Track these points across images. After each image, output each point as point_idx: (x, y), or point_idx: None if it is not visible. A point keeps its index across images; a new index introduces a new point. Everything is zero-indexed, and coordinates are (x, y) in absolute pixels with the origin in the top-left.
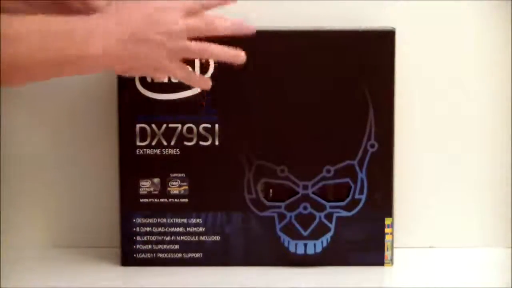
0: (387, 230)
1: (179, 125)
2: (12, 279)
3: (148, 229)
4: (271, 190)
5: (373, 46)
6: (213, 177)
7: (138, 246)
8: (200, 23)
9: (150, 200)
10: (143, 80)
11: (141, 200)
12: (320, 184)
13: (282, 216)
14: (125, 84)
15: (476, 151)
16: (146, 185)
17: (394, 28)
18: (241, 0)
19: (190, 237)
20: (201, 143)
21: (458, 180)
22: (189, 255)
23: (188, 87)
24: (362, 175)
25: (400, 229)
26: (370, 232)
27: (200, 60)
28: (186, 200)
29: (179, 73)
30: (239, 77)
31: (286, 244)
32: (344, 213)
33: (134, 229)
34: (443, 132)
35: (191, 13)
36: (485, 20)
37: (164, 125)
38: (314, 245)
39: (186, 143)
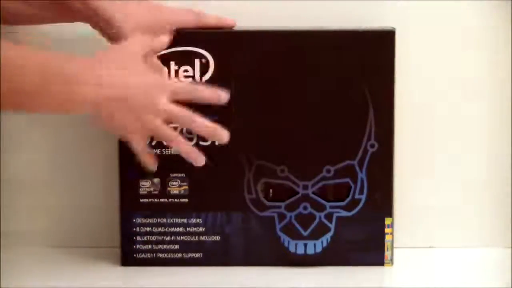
0: (387, 230)
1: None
2: (12, 279)
3: (148, 229)
4: (271, 190)
5: (373, 46)
6: (213, 177)
7: (138, 246)
8: (181, 113)
9: (150, 200)
10: None
11: (141, 200)
12: (320, 184)
13: (282, 216)
14: None
15: (476, 151)
16: (146, 185)
17: (394, 28)
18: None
19: (190, 237)
20: (201, 143)
21: (458, 180)
22: (189, 255)
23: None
24: (362, 175)
25: (400, 229)
26: (370, 232)
27: (201, 60)
28: (186, 200)
29: (137, 149)
30: (239, 77)
31: (286, 244)
32: (344, 213)
33: (134, 229)
34: (443, 132)
35: (178, 96)
36: (485, 20)
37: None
38: (314, 245)
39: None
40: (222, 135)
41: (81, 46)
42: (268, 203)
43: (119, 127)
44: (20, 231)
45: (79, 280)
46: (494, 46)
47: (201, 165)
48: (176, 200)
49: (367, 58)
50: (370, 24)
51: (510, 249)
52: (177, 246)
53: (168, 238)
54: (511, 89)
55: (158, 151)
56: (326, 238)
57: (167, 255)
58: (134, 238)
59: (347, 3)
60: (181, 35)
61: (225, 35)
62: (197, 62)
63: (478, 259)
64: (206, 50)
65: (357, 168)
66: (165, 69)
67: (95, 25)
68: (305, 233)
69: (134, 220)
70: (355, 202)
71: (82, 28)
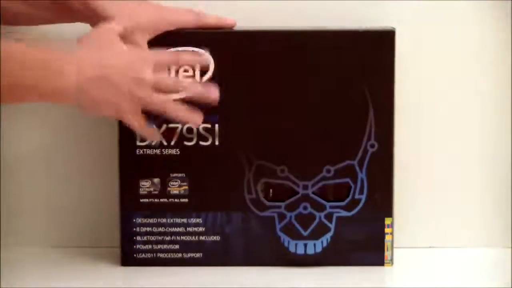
0: (387, 230)
1: (179, 125)
2: (12, 279)
3: (148, 229)
4: (271, 190)
5: (373, 46)
6: (213, 177)
7: (138, 246)
8: (169, 79)
9: (150, 200)
10: None
11: (141, 200)
12: (320, 184)
13: (282, 216)
14: None
15: (476, 151)
16: (146, 185)
17: (394, 28)
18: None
19: (190, 237)
20: (201, 143)
21: (458, 180)
22: (189, 255)
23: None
24: (362, 175)
25: (400, 229)
26: (370, 232)
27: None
28: (186, 200)
29: (134, 125)
30: (239, 77)
31: (286, 244)
32: (344, 213)
33: (134, 229)
34: (443, 132)
35: (163, 66)
36: (485, 20)
37: (164, 125)
38: (314, 245)
39: (186, 143)
40: (212, 94)
41: None
42: (268, 203)
43: (108, 109)
44: (20, 231)
45: (79, 280)
46: (494, 46)
47: (199, 125)
48: (176, 200)
49: (367, 58)
50: (370, 24)
51: (510, 249)
52: (177, 246)
53: (168, 238)
54: (511, 89)
55: (158, 151)
56: (326, 238)
57: (167, 255)
58: (134, 238)
59: (347, 3)
60: (181, 35)
61: (225, 35)
62: None
63: (478, 259)
64: (206, 50)
65: (357, 168)
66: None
67: (95, 25)
68: (305, 233)
69: (134, 220)
70: (355, 202)
71: None
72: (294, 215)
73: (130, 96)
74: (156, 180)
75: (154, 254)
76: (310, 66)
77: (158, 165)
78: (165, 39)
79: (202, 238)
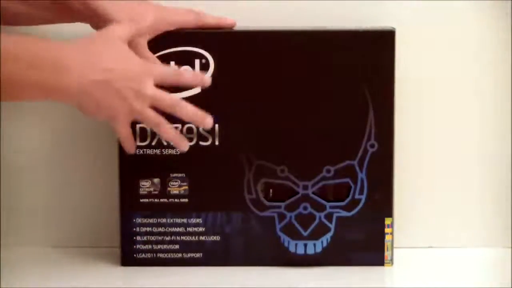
0: (387, 230)
1: (179, 125)
2: (12, 279)
3: (148, 229)
4: (271, 190)
5: (373, 46)
6: (213, 177)
7: (138, 246)
8: (168, 100)
9: (150, 200)
10: None
11: (141, 200)
12: (320, 184)
13: (282, 216)
14: None
15: (476, 151)
16: (146, 185)
17: (394, 28)
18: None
19: (190, 237)
20: (201, 143)
21: (458, 180)
22: (189, 255)
23: (189, 87)
24: (362, 175)
25: (400, 229)
26: (370, 232)
27: (201, 60)
28: (186, 200)
29: (121, 132)
30: (239, 77)
31: (286, 244)
32: (344, 213)
33: (134, 229)
34: (443, 132)
35: (163, 81)
36: (485, 20)
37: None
38: (314, 245)
39: None
40: (206, 121)
41: None
42: (268, 203)
43: (105, 112)
44: (20, 231)
45: (79, 280)
46: (494, 46)
47: (185, 151)
48: (176, 200)
49: (367, 58)
50: (370, 24)
51: (510, 249)
52: (177, 246)
53: (168, 238)
54: (511, 89)
55: (158, 151)
56: (326, 238)
57: (167, 255)
58: (134, 238)
59: (347, 3)
60: (181, 35)
61: (225, 35)
62: (197, 62)
63: (478, 259)
64: (206, 50)
65: (357, 168)
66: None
67: (95, 25)
68: (305, 233)
69: (134, 220)
70: (355, 202)
71: None
72: (294, 215)
73: (126, 105)
74: (156, 180)
75: (154, 254)
76: (310, 66)
77: (158, 165)
78: (165, 39)
79: (202, 238)
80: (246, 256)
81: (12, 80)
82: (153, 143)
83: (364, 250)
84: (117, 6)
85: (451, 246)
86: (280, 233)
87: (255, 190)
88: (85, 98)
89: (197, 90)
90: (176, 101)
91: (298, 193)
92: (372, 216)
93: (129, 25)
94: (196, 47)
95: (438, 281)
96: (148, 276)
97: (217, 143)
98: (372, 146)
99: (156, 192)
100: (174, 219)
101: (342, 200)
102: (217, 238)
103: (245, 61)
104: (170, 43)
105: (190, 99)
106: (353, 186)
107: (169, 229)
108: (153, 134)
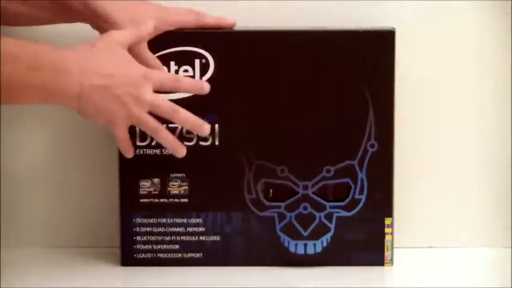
0: (387, 230)
1: (179, 125)
2: (12, 279)
3: (148, 229)
4: (271, 190)
5: (373, 46)
6: (213, 177)
7: (138, 246)
8: (166, 107)
9: (150, 200)
10: None
11: (141, 200)
12: (320, 184)
13: (282, 216)
14: None
15: (476, 151)
16: (146, 185)
17: (394, 28)
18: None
19: (190, 237)
20: (201, 143)
21: (458, 180)
22: (189, 255)
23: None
24: (362, 175)
25: (400, 229)
26: (370, 232)
27: (201, 60)
28: (186, 200)
29: (119, 136)
30: (239, 77)
31: (286, 244)
32: (344, 213)
33: (134, 229)
34: (443, 132)
35: (161, 87)
36: (485, 20)
37: (164, 125)
38: (314, 245)
39: (186, 143)
40: (203, 128)
41: None
42: (268, 203)
43: (103, 117)
44: (20, 231)
45: (79, 280)
46: (494, 46)
47: (182, 157)
48: (176, 200)
49: (367, 58)
50: (370, 24)
51: (510, 249)
52: (177, 246)
53: (168, 238)
54: (511, 89)
55: (158, 151)
56: (326, 238)
57: (167, 255)
58: (134, 238)
59: (347, 3)
60: (181, 35)
61: (225, 35)
62: (197, 62)
63: (478, 259)
64: (206, 50)
65: (357, 168)
66: (163, 67)
67: (95, 26)
68: (305, 233)
69: (134, 220)
70: (355, 202)
71: None
72: (294, 215)
73: (125, 111)
74: (156, 180)
75: (154, 254)
76: (310, 66)
77: (158, 165)
78: (165, 39)
79: (202, 238)
80: (246, 256)
81: (11, 82)
82: (153, 143)
83: (364, 250)
84: (117, 6)
85: (451, 246)
86: (280, 233)
87: (255, 190)
88: (85, 102)
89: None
90: (174, 108)
91: (298, 193)
92: (372, 216)
93: (130, 31)
94: (196, 47)
95: (438, 281)
96: (148, 276)
97: (217, 143)
98: (372, 146)
99: (156, 192)
100: (174, 219)
101: (342, 200)
102: (217, 238)
103: (245, 61)
104: (170, 43)
105: (190, 99)
106: (353, 186)
107: (169, 229)
108: None
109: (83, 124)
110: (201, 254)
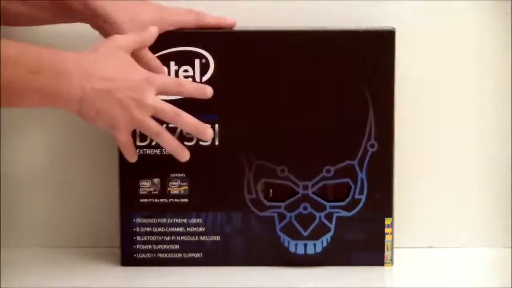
0: (387, 230)
1: None
2: (12, 279)
3: (148, 229)
4: (271, 190)
5: (373, 46)
6: (213, 177)
7: (138, 246)
8: (169, 111)
9: (150, 200)
10: None
11: (141, 200)
12: (320, 184)
13: (282, 216)
14: None
15: (476, 151)
16: (146, 185)
17: (394, 28)
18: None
19: (190, 237)
20: (201, 143)
21: (458, 180)
22: (189, 255)
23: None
24: (362, 175)
25: (400, 229)
26: (370, 232)
27: (201, 60)
28: (186, 200)
29: (122, 141)
30: (239, 77)
31: (286, 244)
32: (344, 213)
33: (134, 229)
34: (443, 132)
35: (164, 91)
36: (485, 20)
37: (164, 125)
38: (314, 245)
39: (186, 143)
40: (206, 132)
41: (81, 46)
42: (268, 203)
43: (105, 121)
44: (20, 231)
45: (79, 280)
46: (494, 46)
47: (185, 161)
48: (176, 200)
49: (367, 58)
50: (370, 24)
51: (510, 249)
52: (177, 246)
53: (168, 238)
54: (511, 89)
55: (158, 151)
56: (326, 238)
57: (167, 255)
58: (134, 238)
59: (347, 3)
60: (181, 35)
61: (225, 35)
62: (197, 62)
63: (478, 259)
64: (206, 50)
65: (357, 168)
66: (164, 67)
67: (95, 26)
68: (305, 233)
69: (134, 220)
70: (355, 202)
71: None
72: (294, 215)
73: (128, 115)
74: (156, 180)
75: (154, 254)
76: (310, 66)
77: (158, 165)
78: (165, 39)
79: (202, 238)
80: (246, 256)
81: (12, 85)
82: (153, 143)
83: (364, 250)
84: (117, 6)
85: (451, 246)
86: (280, 233)
87: (255, 190)
88: (86, 105)
89: None
90: (177, 112)
91: (298, 193)
92: (372, 216)
93: (133, 36)
94: (196, 47)
95: (438, 281)
96: (148, 276)
97: (217, 143)
98: (372, 146)
99: (156, 192)
100: (174, 219)
101: (342, 200)
102: (217, 238)
103: (245, 61)
104: (170, 43)
105: (190, 99)
106: (353, 186)
107: (169, 229)
108: None
109: (83, 125)
110: (201, 254)
